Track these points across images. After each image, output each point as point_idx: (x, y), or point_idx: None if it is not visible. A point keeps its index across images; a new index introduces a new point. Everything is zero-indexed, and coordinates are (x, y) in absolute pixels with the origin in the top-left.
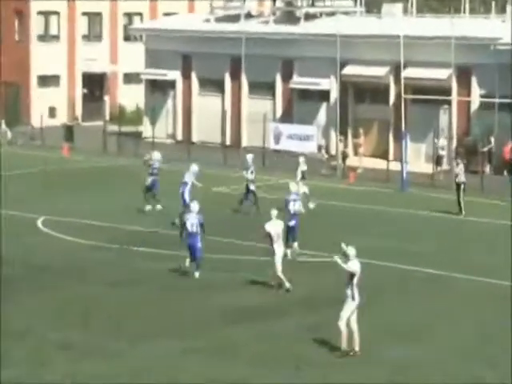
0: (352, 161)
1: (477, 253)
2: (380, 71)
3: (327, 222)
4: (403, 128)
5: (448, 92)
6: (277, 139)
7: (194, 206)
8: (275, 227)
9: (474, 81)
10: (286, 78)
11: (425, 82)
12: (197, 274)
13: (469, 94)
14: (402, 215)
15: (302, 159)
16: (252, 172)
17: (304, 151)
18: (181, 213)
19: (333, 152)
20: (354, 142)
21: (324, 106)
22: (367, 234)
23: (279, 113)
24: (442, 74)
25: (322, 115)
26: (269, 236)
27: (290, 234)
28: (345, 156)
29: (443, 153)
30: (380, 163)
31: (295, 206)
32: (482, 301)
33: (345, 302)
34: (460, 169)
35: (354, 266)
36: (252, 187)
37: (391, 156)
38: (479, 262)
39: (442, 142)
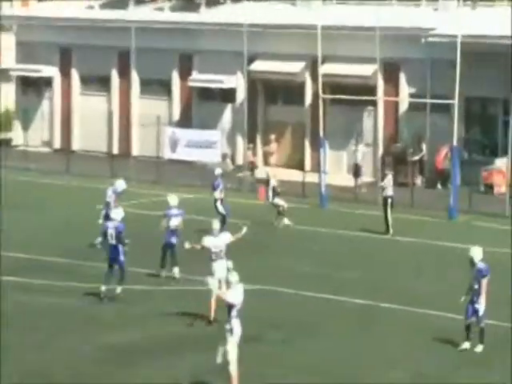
0: (262, 172)
1: (406, 278)
2: (294, 67)
3: (233, 243)
4: (321, 133)
5: (373, 91)
6: (173, 147)
7: (117, 214)
8: (215, 241)
9: (402, 78)
10: (184, 74)
11: (346, 79)
12: (119, 289)
13: (397, 94)
14: (321, 235)
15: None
16: (221, 190)
17: (206, 161)
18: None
19: (239, 162)
20: (264, 150)
21: (229, 107)
22: (280, 257)
23: (176, 116)
24: (365, 70)
25: (226, 118)
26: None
27: (169, 253)
28: (253, 167)
29: (361, 162)
30: (295, 175)
31: (175, 222)
32: (413, 335)
33: (226, 340)
34: (387, 181)
35: (232, 294)
36: (220, 208)
37: (308, 166)
38: (409, 290)
39: (362, 148)
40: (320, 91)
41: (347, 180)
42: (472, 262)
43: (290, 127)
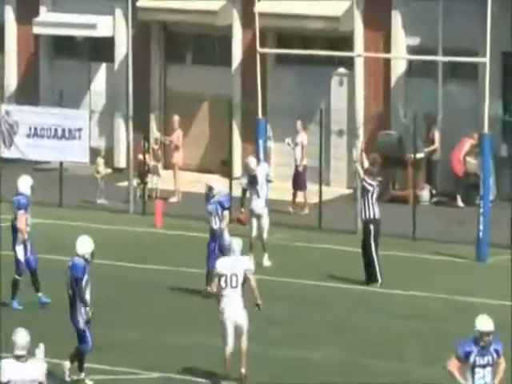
0: (164, 181)
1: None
2: (213, 3)
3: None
4: (259, 114)
5: (347, 43)
6: (7, 138)
7: None
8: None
9: (396, 21)
10: (25, 14)
11: (303, 22)
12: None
13: (387, 48)
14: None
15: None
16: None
17: (65, 161)
18: None
19: (121, 163)
20: (162, 142)
21: (103, 69)
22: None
23: (12, 84)
24: (334, 7)
25: (98, 89)
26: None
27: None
28: (143, 172)
29: (302, 164)
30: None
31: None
32: None
33: None
34: (371, 193)
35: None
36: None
37: (237, 169)
38: None
39: (301, 138)
40: (257, 43)
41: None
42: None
43: (208, 103)
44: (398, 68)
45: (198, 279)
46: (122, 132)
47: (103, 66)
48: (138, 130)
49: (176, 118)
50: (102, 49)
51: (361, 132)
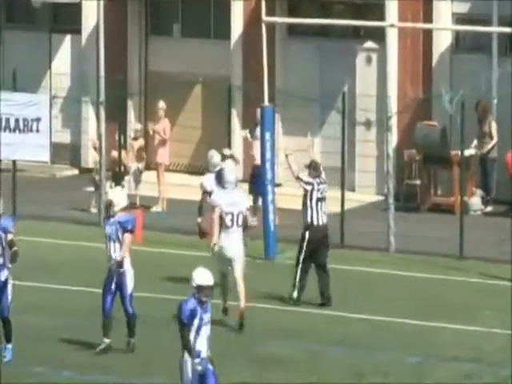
0: (146, 185)
1: None
2: None
3: None
4: (265, 99)
5: (375, 11)
6: None
7: None
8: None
9: None
10: None
11: None
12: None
13: (427, 17)
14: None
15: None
16: None
17: (19, 160)
18: None
19: (91, 162)
20: (144, 134)
21: (67, 42)
22: None
23: None
24: None
25: (62, 66)
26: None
27: None
28: (118, 174)
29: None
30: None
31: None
32: None
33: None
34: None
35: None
36: None
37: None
38: None
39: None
40: (263, 10)
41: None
42: None
43: (200, 86)
44: (442, 42)
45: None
46: (92, 122)
47: (67, 38)
48: (112, 119)
49: (161, 104)
50: (65, 17)
51: (393, 123)
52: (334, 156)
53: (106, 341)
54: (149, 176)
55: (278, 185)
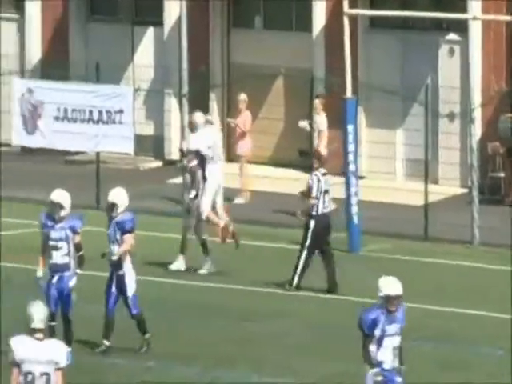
0: (228, 177)
1: None
2: None
3: None
4: (348, 92)
5: (457, 2)
6: (30, 123)
7: None
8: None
9: None
10: None
11: None
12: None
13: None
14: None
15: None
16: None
17: (103, 151)
18: None
19: (174, 154)
20: (227, 125)
21: (150, 33)
22: None
23: (34, 55)
24: None
25: (144, 58)
26: None
27: None
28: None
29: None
30: (290, 181)
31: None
32: None
33: None
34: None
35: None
36: None
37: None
38: None
39: (320, 120)
40: (345, 2)
41: (409, 190)
42: None
43: (282, 78)
44: None
45: (274, 300)
46: (175, 115)
47: (150, 30)
48: (195, 111)
49: (243, 97)
50: (148, 9)
51: (477, 116)
52: (417, 148)
53: (107, 343)
54: (231, 168)
55: (361, 177)
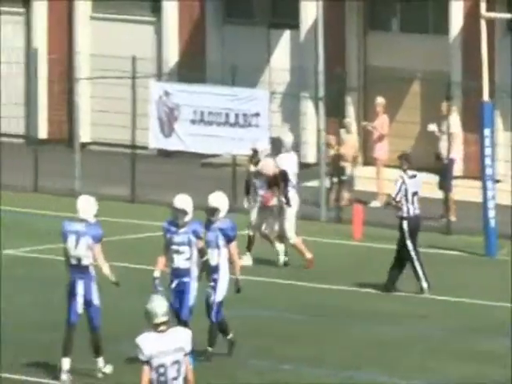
0: (364, 180)
1: None
2: None
3: None
4: (485, 96)
5: None
6: (167, 125)
7: None
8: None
9: None
10: None
11: None
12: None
13: None
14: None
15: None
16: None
17: (240, 153)
18: None
19: (310, 157)
20: (363, 129)
21: (286, 36)
22: None
23: (171, 59)
24: None
25: (280, 61)
26: None
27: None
28: (339, 169)
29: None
30: (431, 186)
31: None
32: None
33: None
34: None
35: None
36: None
37: (458, 166)
38: None
39: (450, 123)
40: (482, 6)
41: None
42: None
43: (419, 82)
44: None
45: (418, 305)
46: (311, 118)
47: (286, 33)
48: (332, 115)
49: (380, 100)
50: (284, 12)
51: None
52: None
53: (209, 350)
54: (367, 171)
55: (497, 181)
